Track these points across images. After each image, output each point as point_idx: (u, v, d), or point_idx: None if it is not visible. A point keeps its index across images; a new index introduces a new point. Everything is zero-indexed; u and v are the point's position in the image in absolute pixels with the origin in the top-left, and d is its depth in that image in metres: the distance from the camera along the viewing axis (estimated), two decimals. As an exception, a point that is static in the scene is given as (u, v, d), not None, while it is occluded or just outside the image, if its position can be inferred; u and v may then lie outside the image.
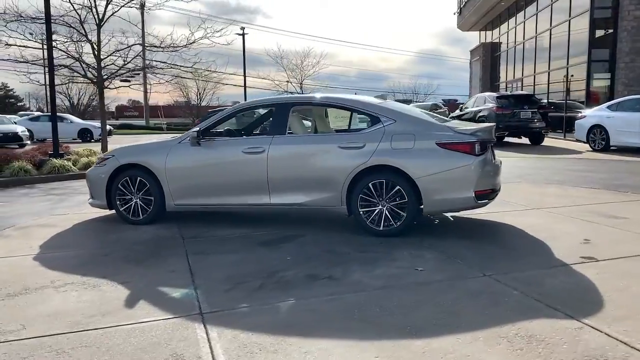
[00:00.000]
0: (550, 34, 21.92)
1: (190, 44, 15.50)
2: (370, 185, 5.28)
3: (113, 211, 6.35)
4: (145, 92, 45.53)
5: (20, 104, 74.20)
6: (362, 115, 5.78)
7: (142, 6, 41.44)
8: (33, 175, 11.26)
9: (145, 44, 15.69)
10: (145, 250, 5.06)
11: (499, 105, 16.74)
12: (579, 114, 15.65)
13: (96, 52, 14.92)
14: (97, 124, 30.25)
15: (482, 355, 2.78)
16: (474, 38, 36.18)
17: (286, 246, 5.12)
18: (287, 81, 47.54)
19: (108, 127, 29.52)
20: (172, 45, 15.87)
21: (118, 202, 6.18)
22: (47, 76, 12.52)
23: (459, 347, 2.88)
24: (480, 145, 5.17)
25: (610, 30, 18.33)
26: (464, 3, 32.93)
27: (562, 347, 2.85)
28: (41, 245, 5.35)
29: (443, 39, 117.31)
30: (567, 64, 20.22)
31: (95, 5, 14.76)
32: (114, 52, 15.22)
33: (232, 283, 4.03)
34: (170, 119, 49.37)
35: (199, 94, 68.51)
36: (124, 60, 15.61)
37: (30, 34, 13.93)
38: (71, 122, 28.65)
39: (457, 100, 51.36)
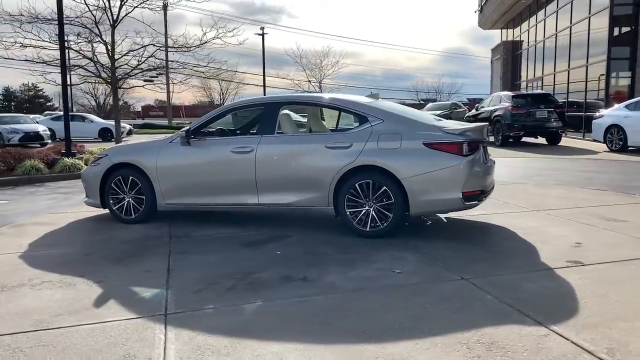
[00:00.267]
0: (570, 32, 21.47)
1: (203, 44, 15.60)
2: (357, 185, 5.21)
3: (107, 210, 6.39)
4: (168, 92, 46.14)
5: (49, 103, 75.68)
6: (352, 115, 5.70)
7: (164, 7, 41.95)
8: (44, 174, 11.45)
9: (159, 44, 15.81)
10: (130, 250, 5.08)
11: (515, 104, 16.43)
12: (596, 114, 15.29)
13: (110, 53, 15.14)
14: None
15: (436, 362, 2.70)
16: (498, 36, 35.63)
17: (270, 246, 5.09)
18: (309, 81, 47.64)
19: (128, 126, 30.14)
20: (185, 45, 16.00)
21: (111, 201, 6.22)
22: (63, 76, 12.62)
23: (414, 353, 2.80)
24: (468, 145, 5.05)
25: (631, 28, 17.85)
26: (484, 1, 32.49)
27: (522, 355, 2.76)
28: (31, 243, 5.41)
29: (469, 37, 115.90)
30: (587, 62, 19.77)
31: (110, 6, 14.97)
32: (127, 52, 15.42)
33: (204, 284, 4.00)
34: (192, 119, 49.88)
35: (222, 94, 68.98)
36: (138, 61, 15.81)
37: (46, 35, 14.15)
38: (92, 121, 29.08)
39: (482, 100, 50.73)
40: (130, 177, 6.08)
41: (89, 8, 14.90)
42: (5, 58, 14.72)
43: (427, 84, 68.84)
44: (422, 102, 56.24)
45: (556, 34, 23.27)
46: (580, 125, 19.82)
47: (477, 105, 20.63)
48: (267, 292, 3.81)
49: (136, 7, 15.00)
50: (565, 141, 17.88)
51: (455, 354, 2.79)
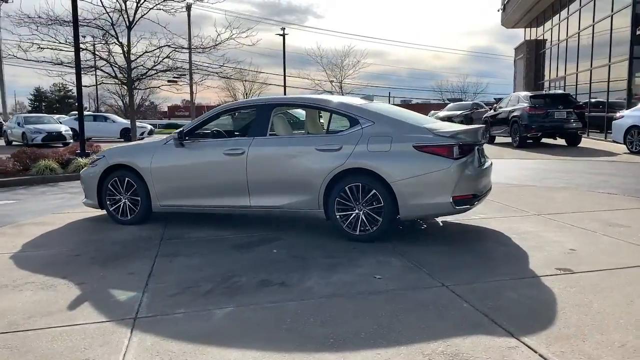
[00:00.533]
0: (593, 30, 20.98)
1: (217, 44, 15.69)
2: (346, 188, 5.14)
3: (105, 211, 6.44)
4: (191, 92, 46.62)
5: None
6: (343, 117, 5.64)
7: (187, 8, 42.19)
8: (58, 174, 11.65)
9: (175, 46, 15.95)
10: (119, 251, 5.10)
11: (532, 105, 16.11)
12: (617, 114, 14.89)
13: (126, 54, 15.33)
14: (140, 123, 31.22)
15: (393, 374, 2.63)
16: (524, 35, 34.93)
17: (258, 249, 5.06)
18: (331, 81, 47.61)
19: (149, 126, 30.52)
20: (200, 46, 16.11)
21: (108, 202, 6.28)
22: (78, 77, 12.83)
23: (373, 364, 2.73)
24: (459, 148, 4.94)
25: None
26: (507, -1, 32.00)
27: (483, 368, 2.66)
28: (25, 243, 5.48)
29: (497, 36, 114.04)
30: (609, 61, 19.28)
31: (126, 8, 15.16)
32: (143, 54, 15.58)
33: (182, 287, 3.99)
34: (215, 119, 50.21)
35: (245, 94, 69.65)
36: (154, 62, 15.99)
37: (62, 37, 14.40)
38: (114, 121, 29.51)
39: (501, 100, 49.95)
40: (126, 179, 6.12)
41: (105, 10, 15.14)
42: (25, 59, 15.01)
43: (452, 83, 68.00)
44: (446, 101, 55.68)
45: (579, 33, 22.77)
46: (602, 126, 19.34)
47: (495, 105, 20.29)
48: (243, 296, 3.78)
49: (151, 8, 15.18)
50: (585, 142, 17.48)
51: (415, 365, 2.71)
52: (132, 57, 15.45)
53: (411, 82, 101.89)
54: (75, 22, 12.51)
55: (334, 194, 5.19)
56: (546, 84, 28.84)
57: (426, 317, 3.33)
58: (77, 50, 12.61)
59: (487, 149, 16.68)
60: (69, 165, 12.19)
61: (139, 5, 15.16)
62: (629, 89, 17.93)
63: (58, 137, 23.84)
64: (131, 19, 15.27)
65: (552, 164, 12.10)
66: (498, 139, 18.78)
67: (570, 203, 7.03)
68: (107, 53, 15.55)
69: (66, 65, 14.87)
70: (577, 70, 23.05)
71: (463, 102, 34.18)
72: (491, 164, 5.83)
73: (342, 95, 48.65)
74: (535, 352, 2.82)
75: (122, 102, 70.01)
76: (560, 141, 17.31)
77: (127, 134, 28.97)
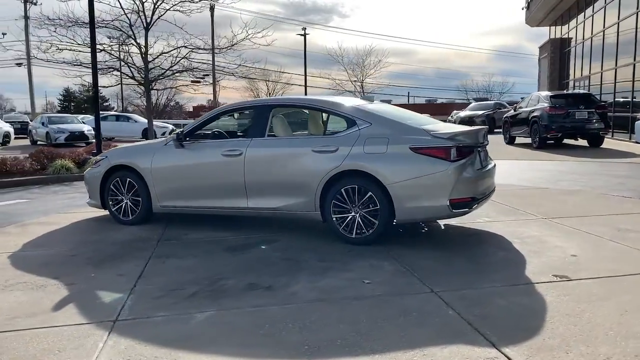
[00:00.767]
0: (618, 28, 20.44)
1: (233, 45, 15.73)
2: (342, 190, 5.07)
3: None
4: (214, 92, 47.02)
5: (106, 104, 78.44)
6: (341, 119, 5.56)
7: (211, 8, 42.48)
8: (73, 173, 11.81)
9: (192, 46, 16.04)
10: (115, 252, 5.11)
11: (552, 105, 15.75)
12: (638, 115, 14.46)
13: (143, 55, 15.48)
14: (161, 123, 31.60)
15: (362, 384, 2.55)
16: (552, 33, 34.20)
17: (252, 251, 5.02)
18: (355, 80, 47.48)
19: (170, 126, 30.79)
20: (217, 47, 16.17)
21: (110, 202, 6.31)
22: (94, 78, 13.01)
23: (343, 373, 2.66)
24: (457, 150, 4.82)
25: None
26: (531, -3, 31.42)
27: (456, 380, 2.57)
28: (26, 243, 5.54)
29: (525, 35, 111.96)
30: (634, 60, 18.76)
31: (144, 9, 15.30)
32: (160, 55, 15.71)
33: (168, 290, 3.97)
34: (238, 119, 50.54)
35: (269, 94, 70.05)
36: (171, 62, 16.11)
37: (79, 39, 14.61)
38: (136, 121, 29.84)
39: (522, 100, 49.16)
40: (128, 179, 6.14)
41: (124, 11, 15.30)
42: (45, 60, 15.27)
43: (478, 83, 67.04)
44: (471, 101, 55.09)
45: (603, 31, 22.22)
46: (627, 126, 18.83)
47: (515, 105, 19.93)
48: (226, 300, 3.74)
49: (168, 9, 15.27)
50: (609, 143, 17.04)
51: (386, 376, 2.63)
52: (150, 58, 15.58)
53: (437, 82, 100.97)
54: (92, 23, 12.66)
55: (331, 196, 5.12)
56: (570, 84, 28.23)
57: (408, 324, 3.24)
58: (94, 52, 12.77)
59: (507, 150, 16.46)
60: (84, 164, 12.33)
61: (156, 6, 15.29)
62: (655, 88, 17.43)
63: (80, 136, 24.23)
64: (148, 20, 15.40)
65: (570, 166, 11.80)
66: (518, 140, 18.43)
67: (581, 206, 6.83)
68: (125, 54, 15.72)
69: (84, 66, 15.07)
70: (601, 69, 22.49)
71: (485, 102, 33.63)
72: (494, 165, 5.69)
73: (363, 95, 48.53)
74: (514, 363, 2.71)
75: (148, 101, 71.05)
76: (582, 142, 16.89)
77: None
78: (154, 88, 16.35)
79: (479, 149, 5.27)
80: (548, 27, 33.61)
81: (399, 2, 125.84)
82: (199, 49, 16.13)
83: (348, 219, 5.08)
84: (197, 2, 15.11)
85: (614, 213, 6.37)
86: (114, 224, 6.25)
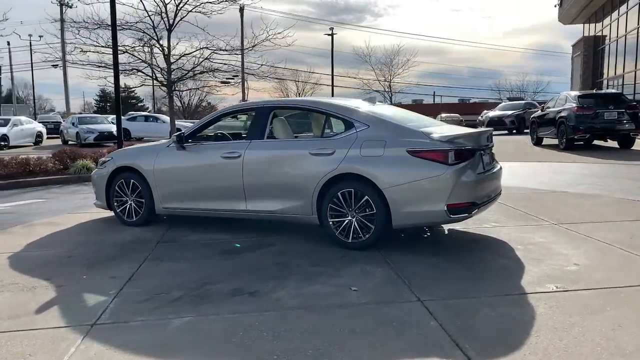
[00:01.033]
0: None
1: (253, 46, 15.77)
2: (339, 194, 4.97)
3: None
4: (243, 92, 47.48)
5: (140, 104, 79.90)
6: (340, 121, 5.46)
7: (241, 10, 42.78)
8: (93, 173, 11.99)
9: (212, 47, 16.12)
10: (112, 253, 5.13)
11: (580, 105, 15.26)
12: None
13: (166, 56, 15.65)
14: (188, 123, 31.94)
15: (322, 398, 2.46)
16: (586, 31, 33.28)
17: (246, 255, 4.97)
18: (381, 80, 47.22)
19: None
20: (238, 47, 16.24)
21: (115, 204, 6.36)
22: (116, 80, 13.23)
23: (305, 386, 2.58)
24: (456, 153, 4.67)
25: None
26: (564, -6, 30.64)
27: (421, 397, 2.45)
28: (29, 243, 5.61)
29: (561, 33, 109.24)
30: (669, 58, 18.08)
31: (167, 11, 15.46)
32: (182, 56, 15.86)
33: (154, 293, 3.95)
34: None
35: (298, 94, 70.29)
36: (193, 64, 16.24)
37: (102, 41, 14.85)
38: (164, 122, 30.21)
39: (550, 100, 47.96)
40: (132, 180, 6.17)
41: (148, 13, 15.50)
42: (71, 62, 15.59)
43: (511, 82, 65.67)
44: (505, 101, 54.03)
45: (638, 28, 21.48)
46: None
47: (542, 105, 19.43)
48: (207, 306, 3.69)
49: (190, 11, 15.39)
50: (640, 144, 16.43)
51: (349, 390, 2.53)
52: (172, 60, 15.74)
53: (471, 81, 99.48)
54: (114, 25, 12.84)
55: (327, 200, 5.03)
56: (604, 83, 27.40)
57: (385, 335, 3.13)
58: (115, 53, 12.95)
59: (533, 151, 16.05)
60: (105, 164, 12.53)
61: (178, 8, 15.43)
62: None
63: (109, 136, 24.70)
64: (171, 21, 15.56)
65: (594, 168, 11.40)
66: (546, 141, 17.95)
67: (596, 212, 6.56)
68: (148, 54, 15.92)
69: (109, 68, 15.31)
70: (635, 67, 21.76)
71: (515, 102, 32.90)
72: (500, 168, 5.51)
73: (391, 95, 48.17)
74: (486, 380, 2.58)
75: (181, 102, 72.14)
76: (613, 143, 16.34)
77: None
78: (177, 89, 16.49)
79: (482, 152, 5.10)
80: (582, 25, 32.74)
81: (433, 1, 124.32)
82: (221, 50, 16.20)
83: (345, 223, 4.98)
84: (218, 4, 15.16)
85: (629, 219, 6.09)
86: (118, 225, 6.30)
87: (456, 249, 5.11)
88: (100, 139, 24.36)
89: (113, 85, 14.36)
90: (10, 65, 55.71)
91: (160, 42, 15.66)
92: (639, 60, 21.51)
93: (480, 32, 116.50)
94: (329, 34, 44.86)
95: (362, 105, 5.44)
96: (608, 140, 16.15)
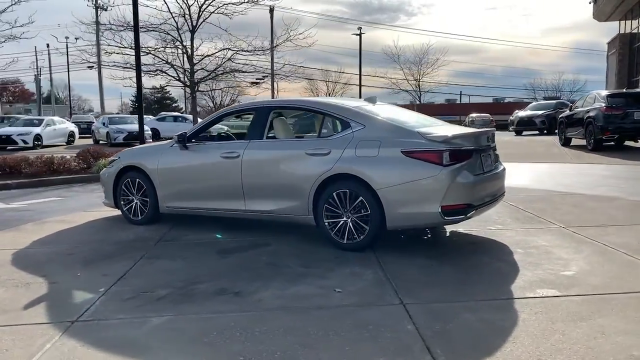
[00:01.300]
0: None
1: (275, 47, 15.84)
2: (334, 194, 4.93)
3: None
4: (272, 92, 47.82)
5: (174, 104, 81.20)
6: (336, 120, 5.42)
7: (271, 10, 43.06)
8: (115, 172, 12.22)
9: (236, 48, 16.27)
10: (111, 251, 5.21)
11: (609, 104, 14.80)
12: None
13: (189, 57, 15.86)
14: (216, 123, 32.33)
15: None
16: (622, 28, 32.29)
17: (239, 255, 4.99)
18: (412, 79, 46.86)
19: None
20: (260, 48, 16.34)
21: (122, 202, 6.46)
22: (138, 81, 13.47)
23: (263, 388, 2.55)
24: (451, 154, 4.57)
25: None
26: (598, -10, 29.76)
27: (377, 402, 2.40)
28: (35, 240, 5.75)
29: (599, 30, 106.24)
30: None
31: (190, 12, 15.67)
32: (205, 57, 16.05)
33: (141, 292, 3.99)
34: (295, 118, 51.07)
35: (328, 94, 70.27)
36: (216, 64, 16.43)
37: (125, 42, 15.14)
38: (192, 122, 30.70)
39: (579, 99, 46.67)
40: (137, 180, 6.26)
41: (172, 15, 15.74)
42: (92, 63, 15.92)
43: (547, 81, 64.18)
44: (541, 100, 52.87)
45: (674, 25, 20.71)
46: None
47: (571, 105, 18.93)
48: (189, 305, 3.71)
49: (213, 12, 15.56)
50: (674, 145, 15.85)
51: (307, 393, 2.50)
52: (195, 60, 15.94)
53: (506, 80, 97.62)
54: (136, 26, 13.06)
55: (323, 201, 5.00)
56: (640, 82, 26.51)
57: (358, 338, 3.08)
58: (138, 55, 13.16)
59: (560, 152, 15.66)
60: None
61: (201, 10, 15.62)
62: None
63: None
64: (194, 23, 15.77)
65: (617, 170, 11.03)
66: (574, 141, 17.47)
67: (609, 215, 6.34)
68: (172, 56, 16.17)
69: (132, 69, 15.59)
70: (671, 66, 20.98)
71: (546, 102, 32.18)
72: (503, 169, 5.39)
73: (420, 94, 47.71)
74: (449, 387, 2.52)
75: (212, 102, 73.11)
76: (644, 144, 15.83)
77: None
78: (199, 90, 16.68)
79: (482, 152, 4.99)
80: (618, 22, 31.74)
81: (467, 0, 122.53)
82: (244, 51, 16.33)
83: (340, 224, 4.94)
84: (239, 4, 15.28)
85: (643, 223, 5.87)
86: (124, 224, 6.40)
87: (453, 252, 5.02)
88: (129, 139, 24.81)
89: (132, 83, 14.69)
90: (50, 66, 57.35)
91: (184, 43, 15.89)
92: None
93: (516, 31, 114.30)
94: (357, 34, 44.66)
95: (360, 105, 5.38)
96: (639, 141, 15.64)
